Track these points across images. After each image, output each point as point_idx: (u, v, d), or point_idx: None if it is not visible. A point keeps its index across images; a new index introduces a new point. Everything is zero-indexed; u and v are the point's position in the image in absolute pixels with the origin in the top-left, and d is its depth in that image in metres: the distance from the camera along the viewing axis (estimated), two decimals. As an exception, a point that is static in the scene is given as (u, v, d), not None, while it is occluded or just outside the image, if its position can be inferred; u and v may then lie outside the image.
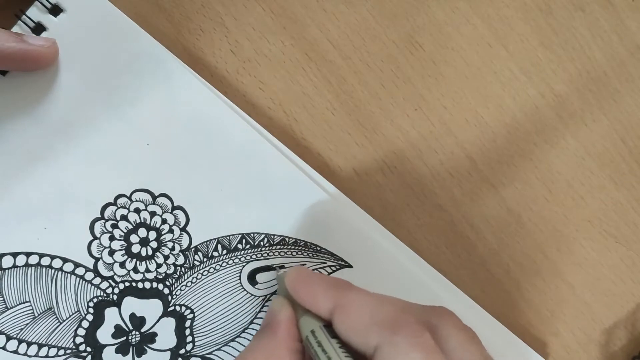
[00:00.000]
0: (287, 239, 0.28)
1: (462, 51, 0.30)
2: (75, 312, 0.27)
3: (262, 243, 0.28)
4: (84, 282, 0.27)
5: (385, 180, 0.30)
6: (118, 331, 0.27)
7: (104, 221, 0.27)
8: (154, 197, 0.28)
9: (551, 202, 0.32)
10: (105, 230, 0.27)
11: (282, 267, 0.28)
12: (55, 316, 0.27)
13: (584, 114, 0.32)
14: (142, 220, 0.28)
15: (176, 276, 0.28)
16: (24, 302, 0.27)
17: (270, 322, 0.23)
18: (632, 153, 0.32)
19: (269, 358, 0.22)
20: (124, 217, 0.27)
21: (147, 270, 0.28)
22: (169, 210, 0.28)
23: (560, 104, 0.31)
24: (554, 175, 0.32)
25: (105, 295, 0.27)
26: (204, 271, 0.28)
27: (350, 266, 0.29)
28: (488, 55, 0.31)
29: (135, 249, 0.28)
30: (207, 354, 0.28)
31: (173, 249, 0.28)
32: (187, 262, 0.28)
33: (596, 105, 0.32)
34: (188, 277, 0.28)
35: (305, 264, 0.28)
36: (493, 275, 0.31)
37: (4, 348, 0.26)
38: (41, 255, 0.27)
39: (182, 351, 0.28)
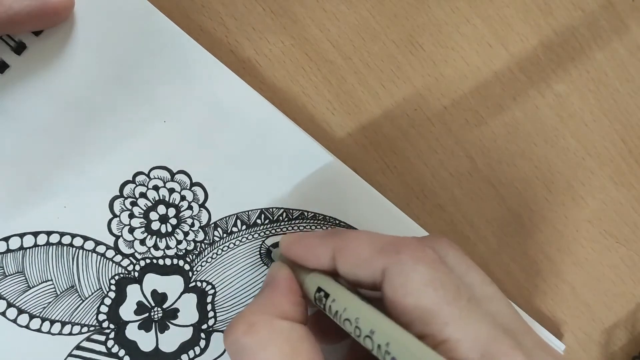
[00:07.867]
0: (305, 213, 0.28)
1: (462, 51, 0.30)
2: (97, 290, 0.27)
3: (281, 218, 0.28)
4: (105, 259, 0.27)
5: (385, 180, 0.30)
6: (140, 307, 0.27)
7: (123, 199, 0.27)
8: (172, 174, 0.28)
9: (551, 202, 0.32)
10: (125, 208, 0.27)
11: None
12: (77, 294, 0.27)
13: (584, 114, 0.32)
14: (161, 198, 0.28)
15: (196, 252, 0.28)
16: (46, 281, 0.27)
17: (268, 282, 0.23)
18: (632, 153, 0.32)
19: (268, 307, 0.21)
20: (143, 195, 0.27)
21: (168, 247, 0.28)
22: (188, 187, 0.28)
23: (560, 104, 0.31)
24: (554, 175, 0.32)
25: (126, 272, 0.27)
26: (223, 247, 0.28)
27: None
28: (488, 55, 0.31)
29: (155, 226, 0.28)
30: None
31: (192, 225, 0.28)
32: (207, 238, 0.28)
33: (596, 105, 0.32)
34: (208, 253, 0.28)
35: None
36: (493, 275, 0.31)
37: (27, 327, 0.26)
38: (62, 234, 0.27)
39: (204, 326, 0.28)
